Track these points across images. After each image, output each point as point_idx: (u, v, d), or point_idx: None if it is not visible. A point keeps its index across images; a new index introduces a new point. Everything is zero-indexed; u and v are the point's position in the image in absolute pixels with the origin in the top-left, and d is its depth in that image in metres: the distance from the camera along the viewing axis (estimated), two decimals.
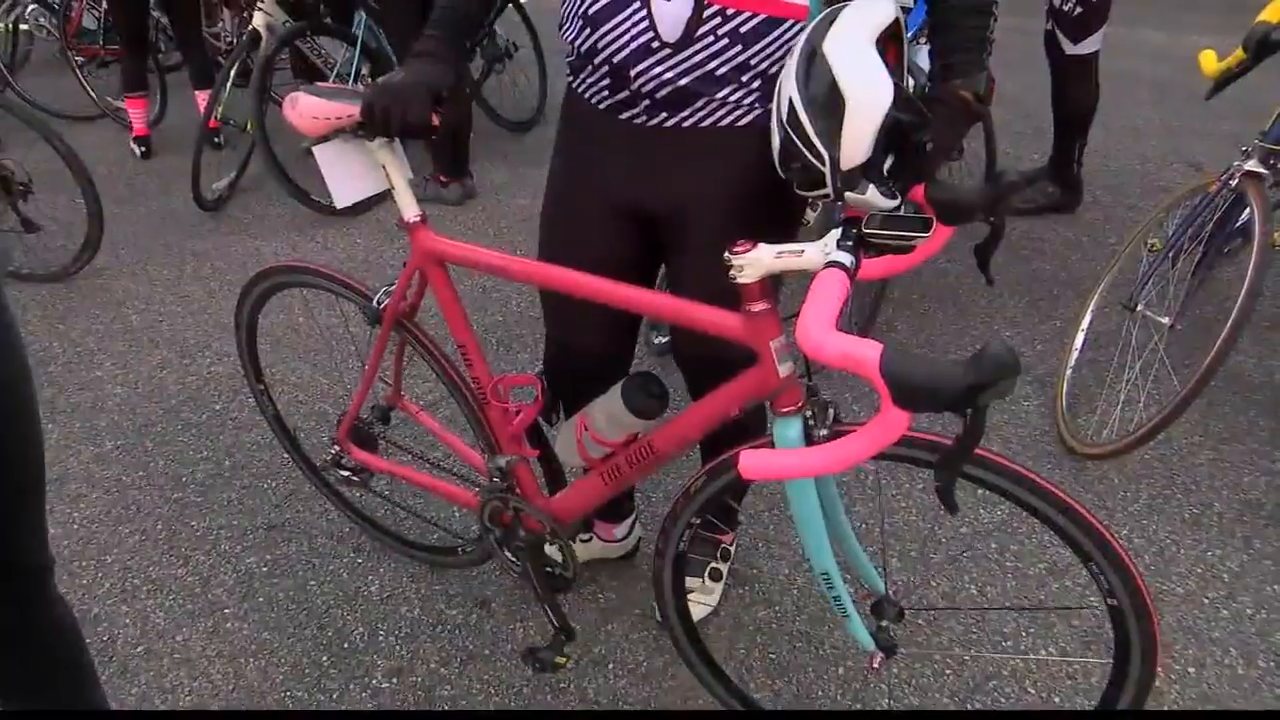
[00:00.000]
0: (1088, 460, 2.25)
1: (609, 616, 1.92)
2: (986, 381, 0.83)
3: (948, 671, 1.77)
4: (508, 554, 1.70)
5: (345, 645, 1.87)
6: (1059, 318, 2.87)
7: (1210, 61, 2.02)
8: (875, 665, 1.41)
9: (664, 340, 2.65)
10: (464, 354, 1.52)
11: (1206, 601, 1.89)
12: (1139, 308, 2.24)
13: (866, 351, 0.88)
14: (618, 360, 1.66)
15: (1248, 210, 2.00)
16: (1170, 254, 2.24)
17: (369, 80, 3.85)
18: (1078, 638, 1.82)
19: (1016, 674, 1.75)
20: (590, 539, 1.99)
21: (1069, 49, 3.08)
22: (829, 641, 1.84)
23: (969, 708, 1.70)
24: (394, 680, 1.80)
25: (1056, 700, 1.70)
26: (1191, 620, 1.85)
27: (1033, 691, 1.72)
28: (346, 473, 1.89)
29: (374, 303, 1.59)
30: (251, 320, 1.87)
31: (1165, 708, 1.67)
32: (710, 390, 1.31)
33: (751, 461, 0.99)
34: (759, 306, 1.15)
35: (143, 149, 4.33)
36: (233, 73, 3.65)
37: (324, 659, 1.84)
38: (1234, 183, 2.05)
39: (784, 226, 1.44)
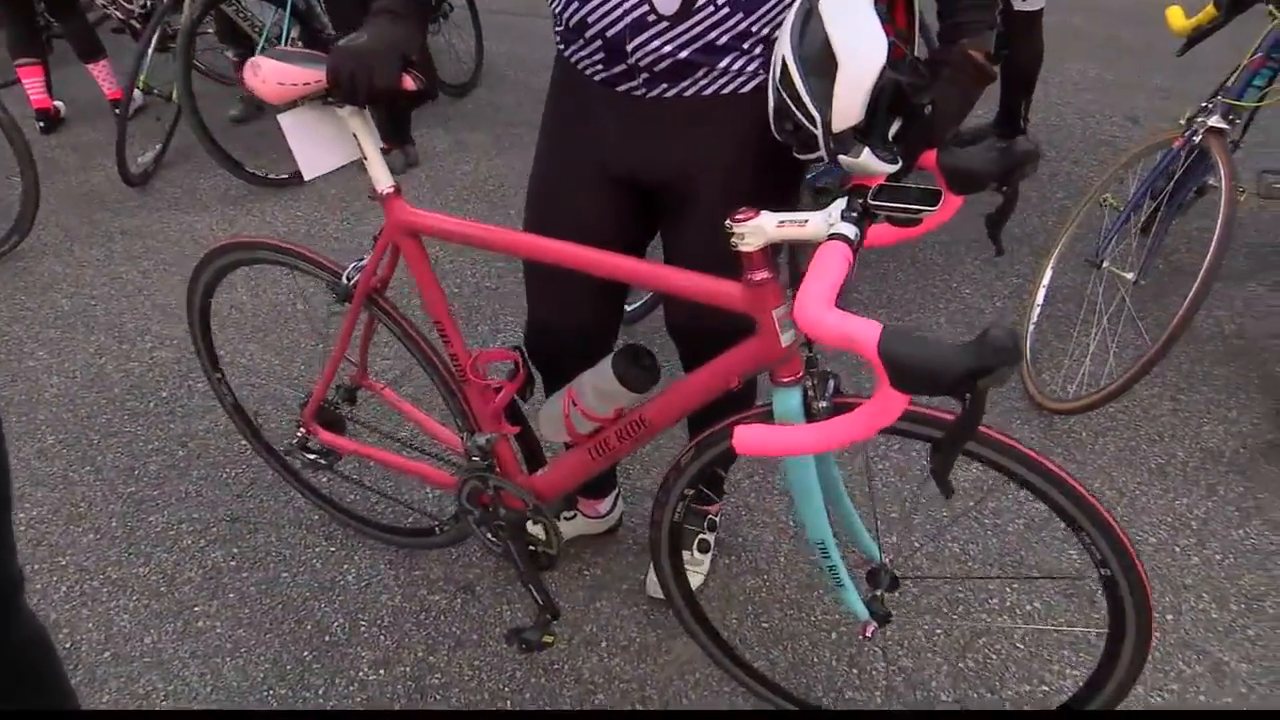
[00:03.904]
0: (1055, 415, 2.29)
1: (597, 594, 1.89)
2: (987, 367, 0.81)
3: (938, 632, 1.79)
4: (488, 534, 1.66)
5: (326, 639, 1.81)
6: (1015, 274, 2.91)
7: (1178, 18, 2.04)
8: (868, 634, 1.41)
9: (633, 308, 2.60)
10: (441, 330, 1.47)
11: (1178, 550, 1.95)
12: (1105, 264, 2.28)
13: (865, 331, 0.86)
14: (602, 337, 1.62)
15: (1213, 166, 2.04)
16: (1133, 210, 2.27)
17: (299, 44, 3.68)
18: (1061, 593, 1.86)
19: (1005, 631, 1.78)
20: (574, 516, 1.96)
21: (1017, 4, 3.09)
22: (819, 608, 1.85)
23: (961, 666, 1.72)
24: (381, 672, 1.75)
25: (1044, 654, 1.74)
26: (1165, 568, 1.91)
27: (1021, 647, 1.76)
28: (313, 456, 1.83)
29: (344, 279, 1.52)
30: (205, 302, 1.78)
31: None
32: (705, 361, 1.28)
33: (747, 437, 0.97)
34: (760, 275, 1.12)
35: (42, 124, 4.01)
36: (154, 38, 3.44)
37: (305, 654, 1.78)
38: (1197, 139, 2.08)
39: (784, 194, 1.41)
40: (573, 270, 1.26)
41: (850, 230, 1.01)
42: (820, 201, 1.10)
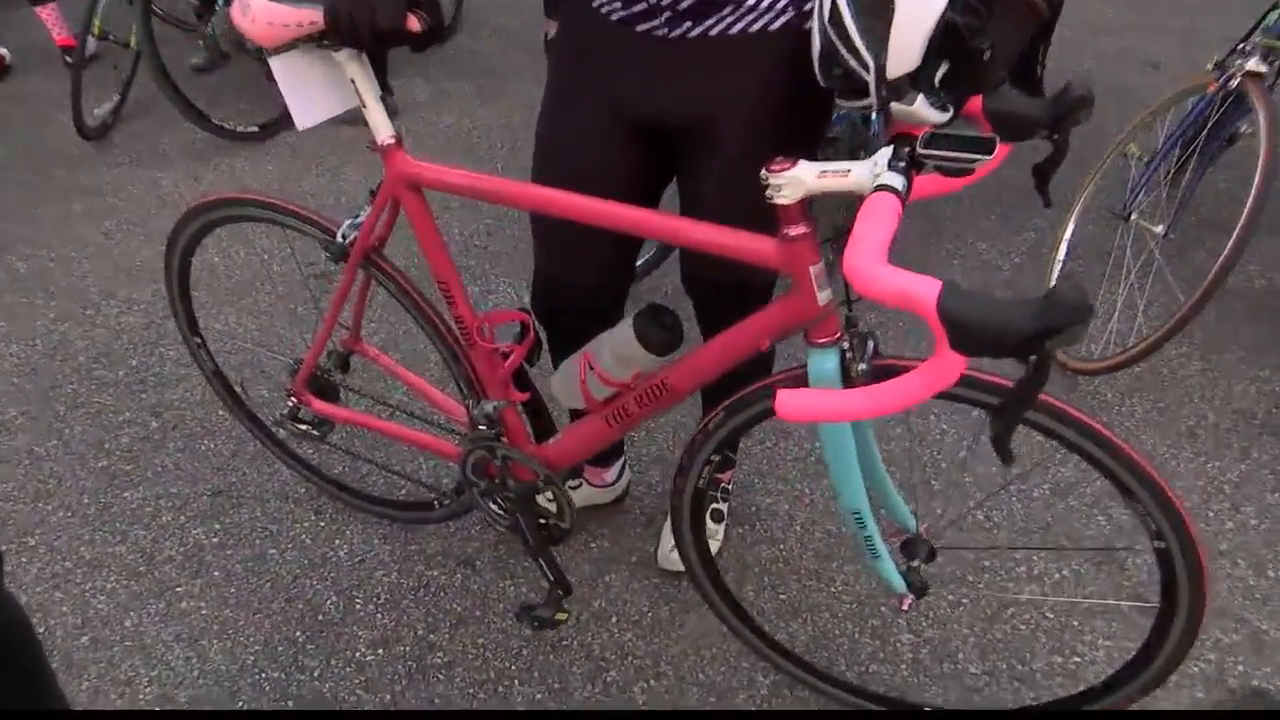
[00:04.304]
0: (1079, 376, 2.29)
1: (605, 567, 1.88)
2: (1056, 326, 0.79)
3: (964, 602, 1.79)
4: (494, 507, 1.64)
5: (320, 618, 1.79)
6: (1033, 228, 2.90)
7: None
8: (905, 607, 1.40)
9: (639, 263, 2.57)
10: (445, 291, 1.44)
11: (1211, 515, 1.95)
12: (1132, 217, 2.26)
13: (923, 288, 0.84)
14: (614, 295, 1.60)
15: (1249, 112, 2.02)
16: (1162, 160, 2.25)
17: None
18: (1091, 563, 1.86)
19: (1034, 602, 1.78)
20: (579, 485, 1.94)
21: None
22: (840, 578, 1.85)
23: (989, 637, 1.72)
24: (380, 652, 1.73)
25: (1075, 625, 1.74)
26: (1199, 534, 1.91)
27: (1051, 617, 1.76)
28: (305, 427, 1.80)
29: (339, 237, 1.48)
30: (184, 263, 1.73)
31: None
32: (725, 320, 1.26)
33: (790, 401, 0.95)
34: (797, 230, 1.09)
35: None
36: None
37: (298, 634, 1.76)
38: (1233, 83, 2.06)
39: (810, 142, 1.38)
40: (582, 225, 1.23)
41: (898, 181, 0.98)
42: (826, 153, 1.07)
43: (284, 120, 3.53)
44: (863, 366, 1.14)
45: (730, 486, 1.96)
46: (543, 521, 1.62)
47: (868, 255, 0.90)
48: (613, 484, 1.96)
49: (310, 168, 3.33)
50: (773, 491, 2.04)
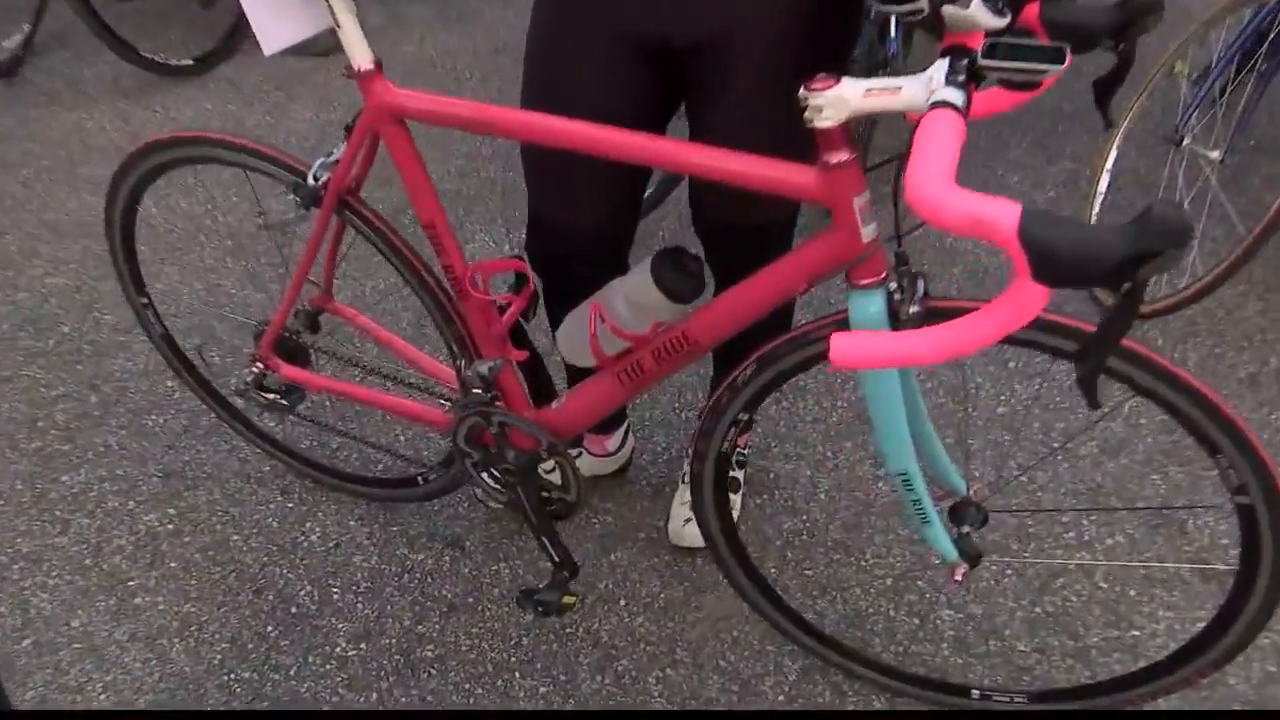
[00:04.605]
0: None
1: (610, 545, 1.88)
2: (1153, 250, 0.78)
3: (1009, 573, 1.80)
4: (490, 481, 1.62)
5: (293, 610, 1.78)
6: (1069, 157, 2.88)
7: None
8: (959, 577, 1.41)
9: None
10: (433, 236, 1.43)
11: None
12: (1185, 142, 2.25)
13: (1001, 211, 0.83)
14: (618, 238, 1.59)
15: None
16: (1217, 77, 2.23)
17: None
18: (1146, 525, 1.87)
19: (1085, 569, 1.79)
20: (579, 455, 1.93)
21: None
22: (870, 550, 1.85)
23: (1038, 611, 1.73)
24: (362, 646, 1.72)
25: (1131, 594, 1.75)
26: None
27: (1105, 586, 1.77)
28: (272, 396, 1.78)
29: (310, 178, 1.46)
30: (129, 213, 1.70)
31: None
32: (741, 270, 1.25)
33: (846, 346, 0.94)
34: (840, 156, 1.08)
35: None
36: None
37: (269, 629, 1.75)
38: None
39: (839, 59, 1.35)
40: (583, 159, 1.21)
41: (957, 96, 0.96)
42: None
43: (222, 51, 3.46)
44: (914, 309, 1.14)
45: (747, 452, 1.96)
46: (545, 495, 1.61)
47: (934, 178, 0.88)
48: (615, 453, 1.95)
49: (253, 105, 3.26)
50: (792, 456, 2.03)
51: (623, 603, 1.78)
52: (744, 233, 1.50)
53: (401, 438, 2.09)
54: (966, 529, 1.42)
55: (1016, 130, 3.00)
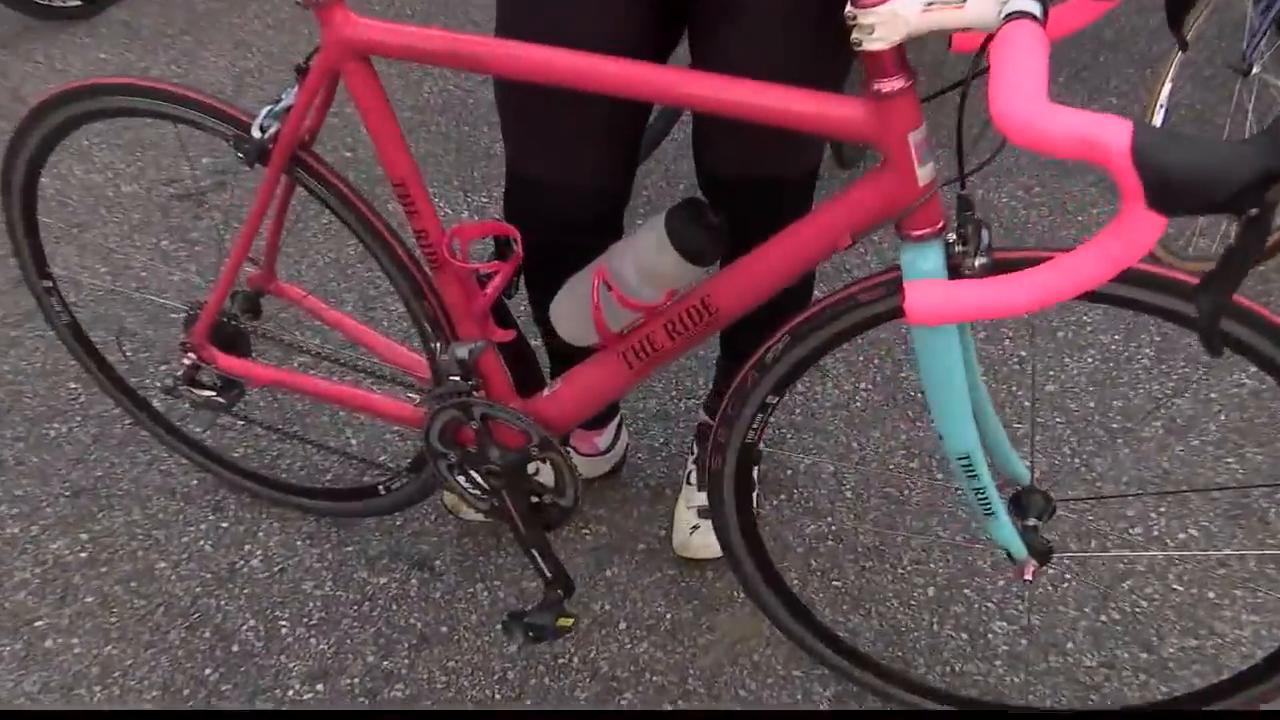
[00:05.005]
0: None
1: (605, 559, 1.87)
2: None
3: (1068, 576, 1.80)
4: (469, 485, 1.60)
5: (235, 649, 1.76)
6: (1113, 91, 2.90)
7: None
8: (1029, 576, 1.40)
9: None
10: (404, 196, 1.40)
11: None
12: (1254, 70, 2.25)
13: (1110, 128, 0.83)
14: (614, 196, 1.57)
15: None
16: None
17: None
18: (1222, 515, 1.88)
19: (1156, 570, 1.79)
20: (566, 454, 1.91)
21: None
22: (908, 556, 1.85)
23: (1104, 619, 1.73)
24: (319, 687, 1.70)
25: (1211, 596, 1.76)
26: None
27: (1180, 588, 1.78)
28: (207, 393, 1.76)
29: (255, 130, 1.43)
30: (30, 179, 1.68)
31: None
32: (754, 233, 1.25)
33: (923, 298, 0.94)
34: (894, 84, 1.06)
35: None
36: None
37: (208, 671, 1.73)
38: None
39: None
40: (576, 102, 1.19)
41: (1034, 5, 0.95)
42: None
43: None
44: (980, 261, 1.12)
45: (762, 445, 1.94)
46: (536, 500, 1.59)
47: (1025, 95, 0.86)
48: (607, 451, 1.94)
49: (155, 51, 3.21)
50: (811, 448, 2.03)
51: (623, 626, 1.77)
52: (759, 188, 1.48)
53: (352, 442, 2.07)
54: (1033, 521, 1.41)
55: (1051, 62, 2.99)
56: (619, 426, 1.95)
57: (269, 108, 1.43)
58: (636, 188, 2.51)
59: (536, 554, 1.58)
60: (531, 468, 1.56)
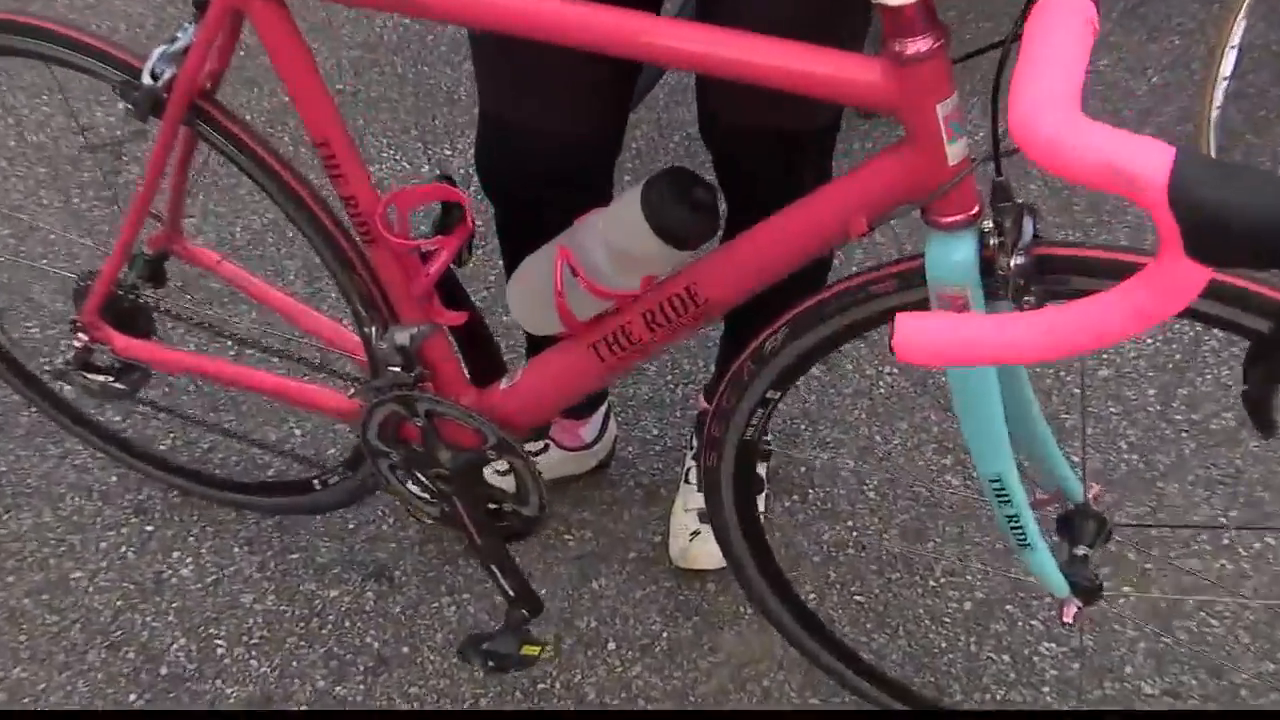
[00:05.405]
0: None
1: (591, 569, 1.88)
2: None
3: (1127, 589, 1.82)
4: (414, 489, 1.61)
5: (163, 671, 1.77)
6: (1175, 30, 2.91)
7: None
8: (1069, 619, 1.39)
9: None
10: (328, 158, 1.39)
11: None
12: None
13: (1143, 156, 0.78)
14: (602, 153, 1.58)
15: None
16: None
17: None
18: None
19: (1226, 581, 1.81)
20: (545, 448, 1.94)
21: None
22: (940, 565, 1.86)
23: (1166, 642, 1.75)
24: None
25: None
26: None
27: (1255, 603, 1.78)
28: (103, 378, 1.76)
29: (147, 74, 1.43)
30: None
31: None
32: (764, 194, 1.25)
33: (915, 332, 0.91)
34: (919, 44, 1.04)
35: None
36: None
37: (132, 697, 1.75)
38: None
39: None
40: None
41: None
42: None
43: None
44: (1018, 260, 1.10)
45: (770, 439, 1.95)
46: (494, 508, 1.59)
47: (1050, 102, 0.84)
48: (593, 445, 1.95)
49: None
50: (829, 442, 2.04)
51: (612, 646, 1.78)
52: (770, 140, 1.48)
53: (298, 430, 2.09)
54: (1082, 549, 1.40)
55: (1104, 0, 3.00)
56: (606, 416, 1.96)
57: (161, 49, 1.42)
58: (625, 139, 2.53)
59: (496, 570, 1.58)
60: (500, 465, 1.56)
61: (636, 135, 2.66)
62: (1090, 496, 1.41)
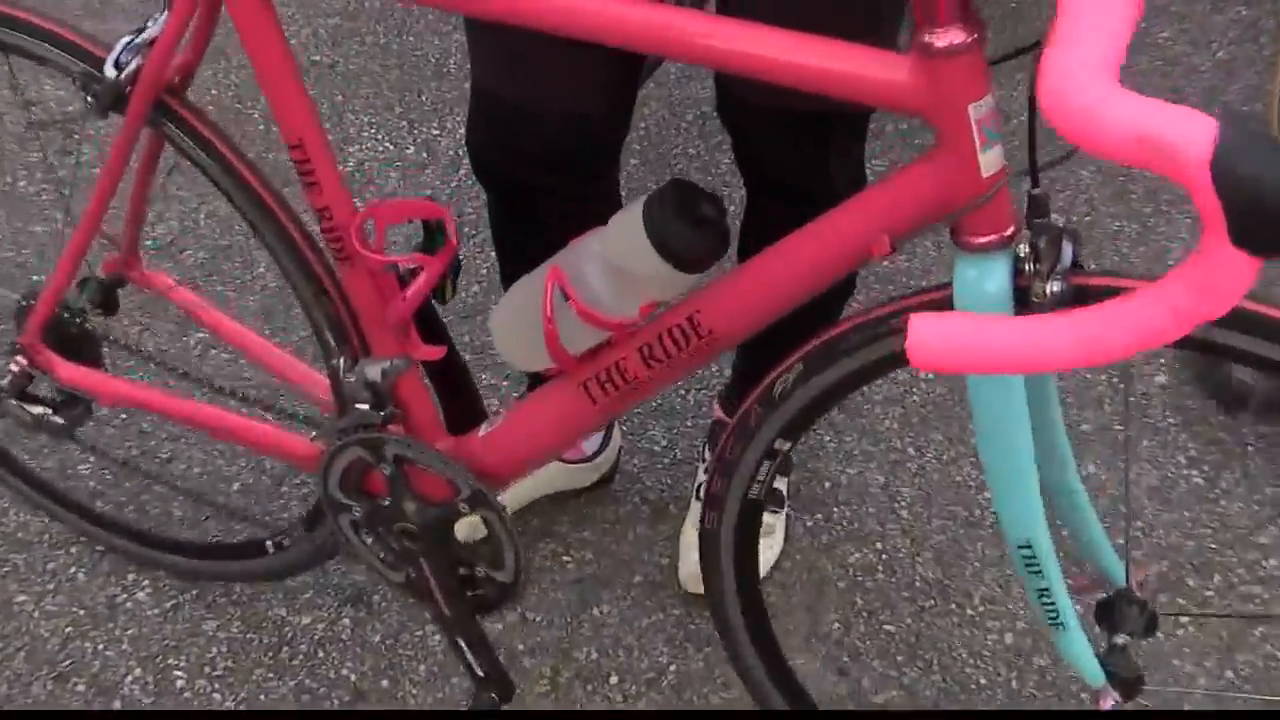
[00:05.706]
0: None
1: (592, 594, 1.89)
2: None
3: (1185, 620, 1.82)
4: (376, 549, 1.60)
5: (117, 705, 1.79)
6: (1243, 1, 2.90)
7: None
8: (1106, 707, 1.39)
9: None
10: (301, 162, 1.39)
11: None
12: None
13: (1182, 128, 0.78)
14: (609, 136, 1.60)
15: None
16: None
17: None
18: None
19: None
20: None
21: None
22: (978, 593, 1.87)
23: (1228, 676, 1.76)
24: None
25: None
26: None
27: None
28: (41, 410, 1.76)
29: (110, 67, 1.43)
30: None
31: None
32: (789, 181, 1.30)
33: (931, 333, 0.91)
34: (950, 37, 1.04)
35: None
36: None
37: None
38: None
39: None
40: None
41: None
42: None
43: None
44: (1054, 287, 1.10)
45: (792, 455, 1.96)
46: (465, 575, 1.59)
47: (1086, 72, 0.85)
48: (595, 458, 1.96)
49: None
50: (857, 456, 2.05)
51: (614, 680, 1.79)
52: (793, 121, 1.48)
53: (260, 478, 2.06)
54: (1122, 638, 1.39)
55: None
56: (610, 425, 1.97)
57: (127, 39, 1.42)
58: (634, 118, 2.55)
59: (464, 646, 1.58)
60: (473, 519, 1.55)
61: (645, 114, 2.68)
62: (1134, 583, 1.39)
